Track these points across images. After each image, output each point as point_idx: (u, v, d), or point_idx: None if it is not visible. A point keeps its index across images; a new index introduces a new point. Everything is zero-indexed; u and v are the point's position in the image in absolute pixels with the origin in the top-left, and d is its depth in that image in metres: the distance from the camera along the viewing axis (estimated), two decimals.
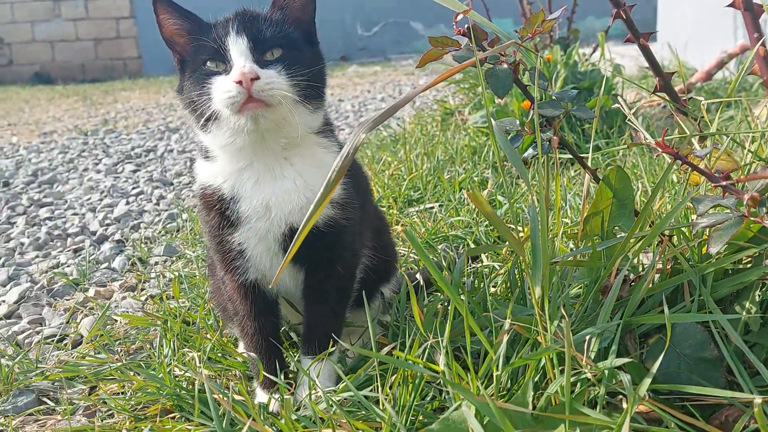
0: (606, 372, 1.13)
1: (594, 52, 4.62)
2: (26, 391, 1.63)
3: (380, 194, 2.92)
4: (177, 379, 1.48)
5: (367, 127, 1.07)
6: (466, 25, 1.28)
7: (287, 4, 1.37)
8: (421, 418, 1.24)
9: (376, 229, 1.67)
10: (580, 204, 2.36)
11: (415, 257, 2.30)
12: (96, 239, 3.02)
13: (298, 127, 1.34)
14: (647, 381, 1.06)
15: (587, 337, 1.17)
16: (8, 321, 2.17)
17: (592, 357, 1.18)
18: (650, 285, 1.30)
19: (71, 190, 4.17)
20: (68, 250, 2.92)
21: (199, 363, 1.54)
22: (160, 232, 3.06)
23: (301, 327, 1.58)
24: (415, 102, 7.41)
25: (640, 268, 1.41)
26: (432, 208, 2.73)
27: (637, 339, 1.31)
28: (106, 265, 2.64)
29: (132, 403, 1.49)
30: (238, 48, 1.27)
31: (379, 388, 1.29)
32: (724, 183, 1.11)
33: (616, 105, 3.61)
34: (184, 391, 1.43)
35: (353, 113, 6.82)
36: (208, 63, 1.30)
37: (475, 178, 3.02)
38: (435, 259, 2.27)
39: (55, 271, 2.63)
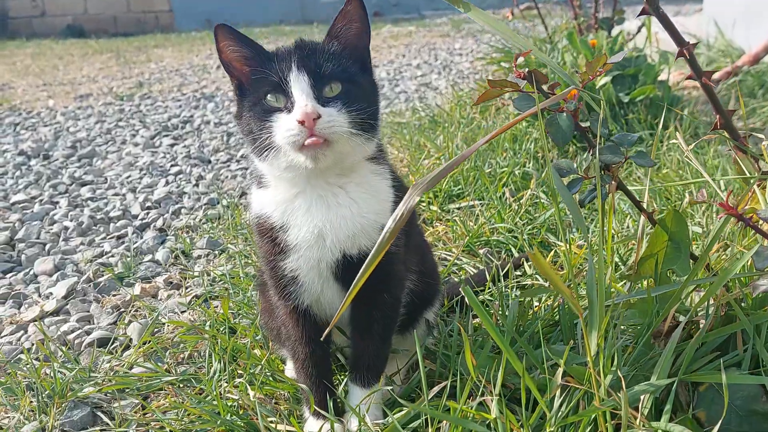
0: (660, 429, 1.14)
1: (638, 32, 4.51)
2: (80, 404, 1.67)
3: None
4: (230, 406, 1.51)
5: (422, 188, 1.07)
6: (526, 69, 1.26)
7: (343, 33, 1.36)
8: None
9: (419, 252, 1.67)
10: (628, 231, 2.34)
11: (458, 262, 2.30)
12: (138, 226, 3.06)
13: (354, 158, 1.35)
14: None
15: (641, 396, 1.17)
16: (57, 318, 2.22)
17: (645, 413, 1.18)
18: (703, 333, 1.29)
19: (111, 166, 4.22)
20: (111, 238, 2.97)
21: (250, 389, 1.57)
22: (201, 219, 3.09)
23: (348, 349, 1.61)
24: (451, 70, 7.33)
25: (692, 310, 1.40)
26: (473, 206, 2.71)
27: (689, 386, 1.31)
28: (149, 257, 2.68)
29: (185, 421, 1.53)
30: (299, 85, 1.27)
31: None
32: None
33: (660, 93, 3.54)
34: (236, 417, 1.46)
35: (388, 81, 6.77)
36: (269, 96, 1.30)
37: (517, 172, 2.99)
38: (476, 265, 2.27)
39: (100, 261, 2.68)
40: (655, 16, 1.30)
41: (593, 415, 1.19)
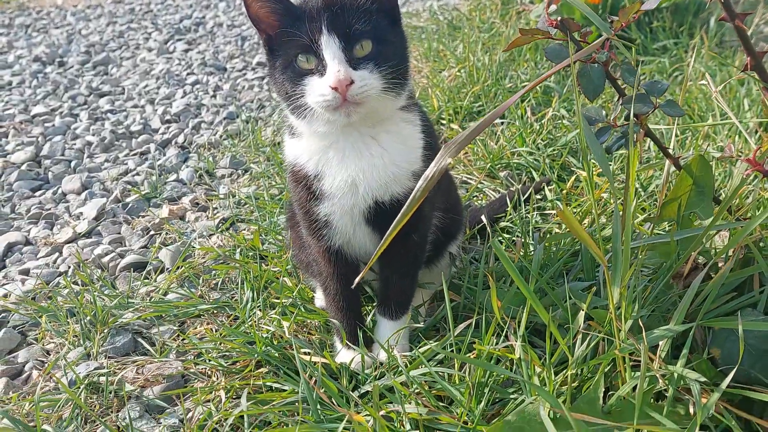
0: (675, 375, 1.20)
1: None
2: (122, 330, 1.76)
3: (440, 105, 2.90)
4: (264, 338, 1.58)
5: (453, 150, 1.09)
6: (558, 18, 1.25)
7: None
8: (494, 395, 1.33)
9: (445, 190, 1.70)
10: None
11: (480, 186, 2.33)
12: (160, 143, 3.09)
13: (386, 111, 1.37)
14: (715, 396, 1.13)
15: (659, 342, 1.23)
16: (90, 240, 2.30)
17: (663, 356, 1.24)
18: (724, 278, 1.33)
19: (127, 75, 4.21)
20: (135, 154, 3.01)
21: (283, 320, 1.64)
22: (221, 135, 3.12)
23: (376, 283, 1.67)
24: None
25: (712, 252, 1.44)
26: (493, 125, 2.72)
27: (705, 327, 1.36)
28: (174, 176, 2.72)
29: (222, 349, 1.61)
30: (330, 49, 1.26)
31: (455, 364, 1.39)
32: None
33: None
34: (271, 348, 1.54)
35: None
36: (300, 58, 1.30)
37: (538, 87, 2.97)
38: (497, 190, 2.30)
39: (126, 180, 2.73)
40: None
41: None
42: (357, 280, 1.24)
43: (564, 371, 1.29)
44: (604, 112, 1.35)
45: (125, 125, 3.35)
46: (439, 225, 1.66)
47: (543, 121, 2.61)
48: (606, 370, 1.27)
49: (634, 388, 1.19)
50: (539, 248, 1.51)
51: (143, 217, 2.44)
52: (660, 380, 1.20)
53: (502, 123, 2.71)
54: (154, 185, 2.61)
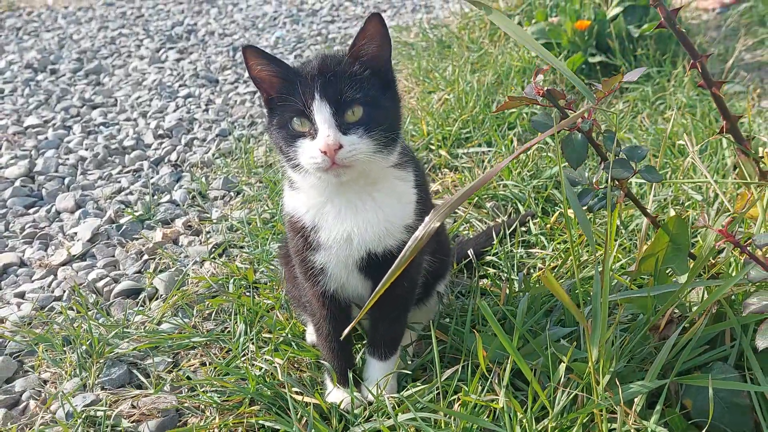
0: (649, 429, 1.27)
1: None
2: (117, 362, 1.82)
3: (430, 130, 2.97)
4: (257, 375, 1.64)
5: (440, 215, 1.16)
6: (545, 88, 1.32)
7: (364, 50, 1.39)
8: None
9: (434, 234, 1.76)
10: None
11: (467, 217, 2.40)
12: (153, 160, 3.13)
13: (378, 170, 1.43)
14: None
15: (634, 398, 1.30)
16: (84, 264, 2.34)
17: (638, 410, 1.32)
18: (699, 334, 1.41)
19: (119, 85, 4.23)
20: (128, 172, 3.05)
21: (276, 358, 1.70)
22: (214, 154, 3.16)
23: (367, 322, 1.74)
24: None
25: (687, 305, 1.52)
26: (480, 152, 2.79)
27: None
28: (167, 197, 2.77)
29: (216, 386, 1.67)
30: (322, 114, 1.32)
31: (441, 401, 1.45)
32: None
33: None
34: (264, 386, 1.60)
35: None
36: (295, 120, 1.36)
37: (525, 114, 3.04)
38: (484, 220, 2.37)
39: (119, 199, 2.77)
40: None
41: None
42: (345, 332, 1.32)
43: (545, 419, 1.36)
44: (586, 173, 1.41)
45: (118, 140, 3.39)
46: (428, 267, 1.73)
47: (529, 153, 2.68)
48: (584, 421, 1.35)
49: None
50: (523, 300, 1.57)
51: (137, 240, 2.49)
52: None
53: (489, 152, 2.77)
54: (148, 206, 2.66)
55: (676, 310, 1.51)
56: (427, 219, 1.16)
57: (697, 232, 1.78)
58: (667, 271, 1.50)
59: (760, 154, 1.54)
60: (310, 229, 1.48)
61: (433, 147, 2.89)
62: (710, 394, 1.26)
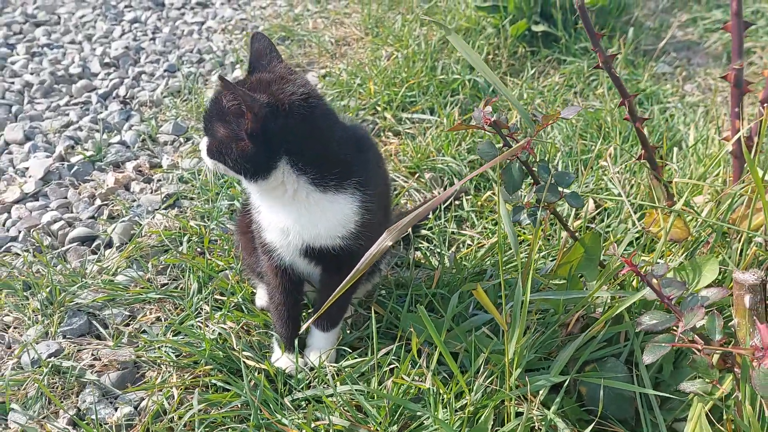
0: (548, 417, 1.53)
1: None
2: (78, 312, 1.96)
3: (377, 90, 3.10)
4: (212, 339, 1.82)
5: (394, 235, 1.34)
6: (492, 118, 1.50)
7: None
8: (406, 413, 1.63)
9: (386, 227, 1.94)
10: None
11: (405, 185, 2.58)
12: (102, 95, 3.16)
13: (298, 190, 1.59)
14: None
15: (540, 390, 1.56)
16: (38, 204, 2.43)
17: (541, 399, 1.57)
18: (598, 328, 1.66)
19: (61, 0, 4.14)
20: (76, 104, 3.08)
21: (229, 322, 1.89)
22: (163, 93, 3.21)
23: (313, 294, 1.93)
24: None
25: (593, 306, 1.76)
26: (424, 120, 2.95)
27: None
28: (117, 138, 2.83)
29: (172, 347, 1.84)
30: None
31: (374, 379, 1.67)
32: (671, 301, 1.44)
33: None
34: (218, 350, 1.79)
35: None
36: None
37: (467, 82, 3.20)
38: (422, 191, 2.56)
39: (68, 134, 2.82)
40: None
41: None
42: (301, 329, 1.52)
43: (464, 399, 1.60)
44: (520, 193, 1.61)
45: (64, 65, 3.38)
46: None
47: (468, 131, 2.85)
48: (496, 404, 1.59)
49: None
50: (454, 297, 1.78)
51: (89, 182, 2.57)
52: (536, 423, 1.54)
53: (432, 121, 2.94)
54: (99, 146, 2.73)
55: (584, 310, 1.76)
56: (381, 238, 1.34)
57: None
58: (579, 277, 1.74)
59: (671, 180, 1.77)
60: (256, 210, 1.67)
61: (379, 109, 3.03)
62: (601, 388, 1.53)
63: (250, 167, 1.53)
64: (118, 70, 3.41)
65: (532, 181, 1.61)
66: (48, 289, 1.99)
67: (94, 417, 1.65)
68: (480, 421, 1.55)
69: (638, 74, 3.54)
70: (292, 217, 1.61)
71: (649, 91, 3.32)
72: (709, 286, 1.67)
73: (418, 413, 1.60)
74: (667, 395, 1.53)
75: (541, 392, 1.57)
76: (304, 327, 1.78)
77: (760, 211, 1.72)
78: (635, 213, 1.89)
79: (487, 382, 1.60)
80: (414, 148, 2.73)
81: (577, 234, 1.71)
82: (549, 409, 1.54)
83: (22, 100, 3.08)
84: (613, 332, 1.69)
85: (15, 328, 1.94)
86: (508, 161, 1.52)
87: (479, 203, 2.47)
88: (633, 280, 1.73)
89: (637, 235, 1.96)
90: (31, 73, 3.27)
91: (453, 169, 2.64)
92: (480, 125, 1.52)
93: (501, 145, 1.57)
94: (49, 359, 1.79)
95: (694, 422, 1.41)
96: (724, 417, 1.45)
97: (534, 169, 1.58)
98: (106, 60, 3.48)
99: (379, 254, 1.34)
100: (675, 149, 2.58)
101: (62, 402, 1.71)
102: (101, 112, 3.01)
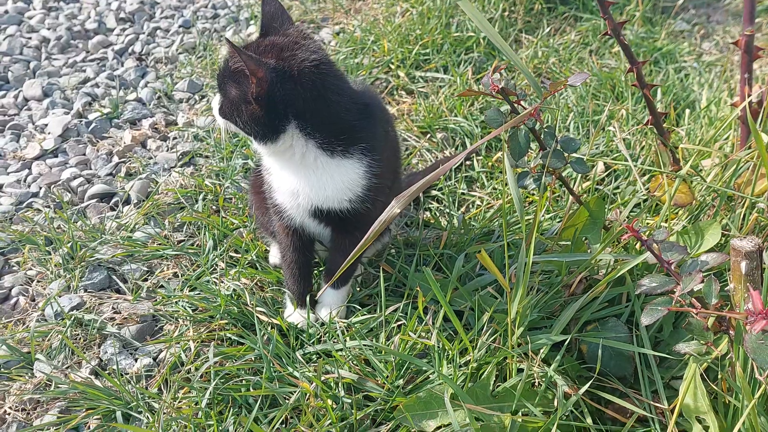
0: (549, 374, 1.59)
1: None
2: (98, 267, 2.03)
3: (390, 48, 3.11)
4: (226, 295, 1.89)
5: (402, 202, 1.38)
6: (500, 85, 1.52)
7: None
8: (412, 368, 1.70)
9: (396, 190, 1.98)
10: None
11: (417, 145, 2.61)
12: (117, 50, 3.19)
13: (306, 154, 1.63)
14: (573, 399, 1.52)
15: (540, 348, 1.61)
16: (57, 161, 2.49)
17: (542, 357, 1.63)
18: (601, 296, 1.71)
19: None
20: (92, 60, 3.12)
21: (243, 279, 1.95)
22: (178, 49, 3.24)
23: (324, 253, 1.99)
24: None
25: (596, 268, 1.81)
26: (438, 78, 2.97)
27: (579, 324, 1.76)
28: (133, 95, 2.88)
29: (189, 302, 1.91)
30: None
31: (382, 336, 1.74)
32: (671, 265, 1.48)
33: None
34: (233, 305, 1.86)
35: None
36: None
37: (482, 40, 3.20)
38: (434, 151, 2.60)
39: (86, 91, 2.87)
40: None
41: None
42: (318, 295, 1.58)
43: (468, 355, 1.67)
44: (526, 158, 1.65)
45: (80, 20, 3.41)
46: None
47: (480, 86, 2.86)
48: (499, 360, 1.66)
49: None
50: (459, 259, 1.83)
51: (106, 139, 2.63)
52: (536, 379, 1.60)
53: (446, 80, 2.95)
54: (116, 103, 2.77)
55: (587, 271, 1.81)
56: (390, 205, 1.38)
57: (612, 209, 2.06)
58: (583, 240, 1.78)
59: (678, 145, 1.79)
60: (267, 171, 1.71)
61: (392, 67, 3.04)
62: (600, 347, 1.59)
63: (260, 130, 1.56)
64: (134, 25, 3.43)
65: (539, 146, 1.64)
66: (69, 245, 2.07)
67: (115, 367, 1.73)
68: (483, 376, 1.61)
69: (655, 32, 3.52)
70: (302, 180, 1.66)
71: (665, 50, 3.30)
72: (710, 250, 1.71)
73: (424, 368, 1.67)
74: (665, 355, 1.59)
75: (542, 350, 1.63)
76: (320, 293, 1.86)
77: (764, 178, 1.75)
78: (641, 175, 1.91)
79: (491, 340, 1.66)
80: (426, 107, 2.75)
81: (585, 195, 1.74)
82: (549, 366, 1.60)
83: (40, 55, 3.12)
84: (615, 293, 1.74)
85: (38, 281, 2.01)
86: (514, 128, 1.55)
87: (489, 164, 2.50)
88: (636, 243, 1.77)
89: (644, 197, 1.99)
90: (48, 29, 3.30)
91: (465, 129, 2.67)
92: (488, 92, 1.55)
93: (509, 110, 1.60)
94: (71, 312, 1.86)
95: (689, 381, 1.46)
96: (719, 376, 1.51)
97: (541, 135, 1.61)
98: (122, 15, 3.50)
99: (388, 221, 1.38)
100: (687, 110, 2.59)
101: (84, 353, 1.79)
102: (117, 69, 3.05)
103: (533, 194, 2.27)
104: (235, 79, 1.53)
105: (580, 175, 2.24)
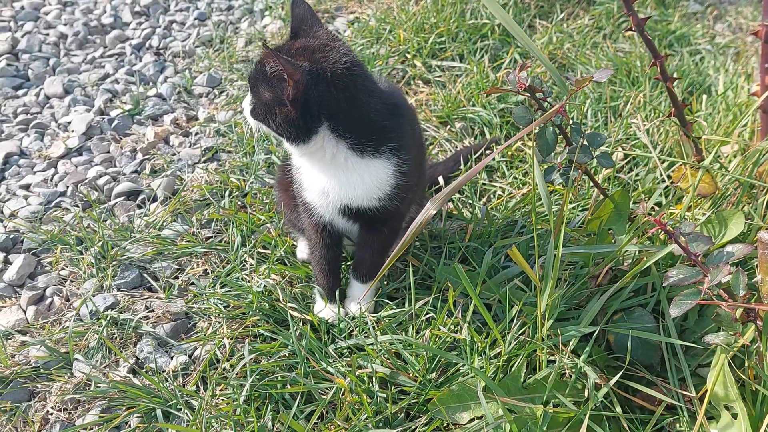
0: (579, 365, 1.63)
1: None
2: (130, 266, 2.07)
3: (407, 38, 3.12)
4: (258, 292, 1.92)
5: (438, 203, 1.41)
6: (527, 83, 1.54)
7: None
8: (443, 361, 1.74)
9: (421, 186, 2.01)
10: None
11: (437, 136, 2.63)
12: (135, 45, 3.21)
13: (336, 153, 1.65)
14: (603, 391, 1.56)
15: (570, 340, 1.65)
16: (82, 159, 2.52)
17: (573, 347, 1.66)
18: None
19: None
20: (111, 56, 3.14)
21: (274, 276, 1.99)
22: (195, 43, 3.26)
23: (352, 248, 2.02)
24: None
25: (621, 258, 1.84)
26: (454, 67, 2.98)
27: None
28: (153, 91, 2.90)
29: (221, 299, 1.95)
30: None
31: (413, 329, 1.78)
32: (698, 257, 1.50)
33: None
34: (264, 302, 1.90)
35: None
36: None
37: (497, 27, 3.21)
38: (454, 142, 2.62)
39: (105, 87, 2.90)
40: None
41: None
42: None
43: (498, 347, 1.70)
44: (552, 155, 1.67)
45: (96, 15, 3.43)
46: (413, 215, 1.99)
47: (498, 74, 2.88)
48: (528, 352, 1.69)
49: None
50: (488, 253, 1.86)
51: (129, 135, 2.66)
52: (566, 370, 1.63)
53: (462, 69, 2.97)
54: (137, 99, 2.80)
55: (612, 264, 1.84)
56: (426, 207, 1.40)
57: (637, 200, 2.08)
58: (609, 231, 1.81)
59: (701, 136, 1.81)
60: (297, 170, 1.75)
61: (408, 56, 3.06)
62: (629, 337, 1.62)
63: (293, 131, 1.59)
64: (149, 19, 3.45)
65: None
66: (100, 244, 2.10)
67: (152, 366, 1.78)
68: (513, 369, 1.65)
69: (669, 14, 3.51)
70: (332, 179, 1.69)
71: (679, 33, 3.30)
72: (734, 239, 1.73)
73: (455, 362, 1.71)
74: (691, 344, 1.62)
75: (571, 342, 1.66)
76: (362, 295, 1.89)
77: None
78: (662, 163, 1.94)
79: (520, 332, 1.70)
80: (444, 97, 2.77)
81: (606, 184, 1.77)
82: (579, 357, 1.63)
83: (58, 52, 3.14)
84: (640, 284, 1.77)
85: (71, 281, 2.06)
86: (542, 125, 1.58)
87: (509, 153, 2.52)
88: (660, 233, 1.79)
89: (665, 188, 2.01)
90: (65, 24, 3.32)
91: (483, 118, 2.68)
92: (515, 89, 1.57)
93: (535, 108, 1.62)
94: (106, 312, 1.90)
95: (718, 370, 1.49)
96: (746, 364, 1.54)
97: (567, 131, 1.63)
98: (137, 9, 3.52)
99: (424, 223, 1.40)
100: (704, 96, 2.60)
101: (122, 352, 1.83)
102: (135, 64, 3.07)
103: (558, 186, 2.29)
104: (269, 81, 1.55)
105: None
